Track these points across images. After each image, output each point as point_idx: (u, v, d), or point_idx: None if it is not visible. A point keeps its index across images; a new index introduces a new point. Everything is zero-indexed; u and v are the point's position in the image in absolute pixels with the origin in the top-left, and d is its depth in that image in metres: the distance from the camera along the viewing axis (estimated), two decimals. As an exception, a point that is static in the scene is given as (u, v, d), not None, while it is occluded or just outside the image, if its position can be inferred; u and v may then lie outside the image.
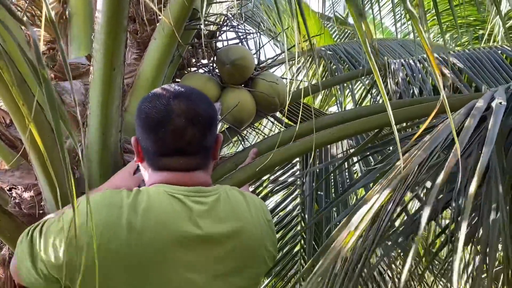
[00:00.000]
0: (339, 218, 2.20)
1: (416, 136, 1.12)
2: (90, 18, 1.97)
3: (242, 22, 2.60)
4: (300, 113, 2.20)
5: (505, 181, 1.18)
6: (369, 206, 0.96)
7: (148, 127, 1.18)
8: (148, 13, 1.91)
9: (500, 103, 1.17)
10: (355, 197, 2.85)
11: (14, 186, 1.77)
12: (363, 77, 3.22)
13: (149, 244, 1.09)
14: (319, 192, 2.72)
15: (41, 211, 1.68)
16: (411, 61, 2.96)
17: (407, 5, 0.77)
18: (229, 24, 2.33)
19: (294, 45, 3.38)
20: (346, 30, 6.85)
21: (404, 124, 2.25)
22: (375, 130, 1.79)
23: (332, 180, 2.77)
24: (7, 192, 1.79)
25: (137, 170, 1.47)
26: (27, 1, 1.97)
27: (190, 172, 1.20)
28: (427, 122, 0.96)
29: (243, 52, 2.10)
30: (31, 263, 1.12)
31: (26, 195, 1.75)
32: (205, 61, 2.32)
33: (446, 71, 2.59)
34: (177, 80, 2.29)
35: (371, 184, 2.01)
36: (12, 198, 1.73)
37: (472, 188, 0.89)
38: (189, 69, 2.28)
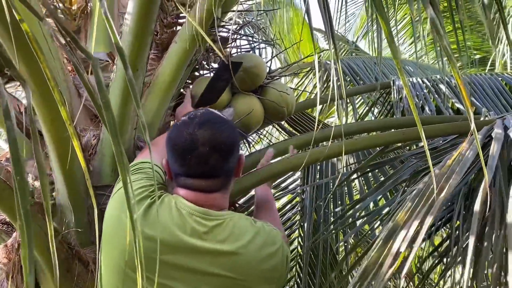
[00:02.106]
0: (344, 238, 2.24)
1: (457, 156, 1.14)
2: (111, 15, 2.01)
3: (255, 31, 2.65)
4: (318, 124, 2.24)
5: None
6: (414, 229, 0.99)
7: (176, 153, 1.32)
8: (169, 16, 1.96)
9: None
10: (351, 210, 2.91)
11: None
12: (366, 93, 3.29)
13: (146, 243, 1.21)
14: (318, 202, 2.78)
15: (52, 201, 1.71)
16: (414, 80, 3.04)
17: (443, 42, 0.83)
18: (243, 32, 2.39)
19: (306, 57, 3.44)
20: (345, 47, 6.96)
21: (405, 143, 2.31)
22: (382, 147, 1.85)
23: (331, 192, 2.83)
24: (19, 179, 1.82)
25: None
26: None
27: (208, 194, 1.32)
28: (465, 143, 1.01)
29: (257, 60, 2.15)
30: None
31: (38, 184, 1.78)
32: (215, 65, 2.37)
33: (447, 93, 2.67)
34: (188, 81, 2.35)
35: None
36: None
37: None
38: (201, 72, 2.33)
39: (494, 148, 1.16)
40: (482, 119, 2.00)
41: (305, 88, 4.25)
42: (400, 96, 2.74)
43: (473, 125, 0.88)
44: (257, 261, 1.31)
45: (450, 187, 1.01)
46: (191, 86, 2.04)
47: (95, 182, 1.68)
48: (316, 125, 2.35)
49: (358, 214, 2.44)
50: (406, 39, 7.49)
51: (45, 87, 1.41)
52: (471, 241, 0.96)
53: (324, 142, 2.29)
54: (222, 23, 2.28)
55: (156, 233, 1.24)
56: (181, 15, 2.11)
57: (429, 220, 0.97)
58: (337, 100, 1.36)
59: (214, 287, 1.28)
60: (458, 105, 2.78)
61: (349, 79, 3.80)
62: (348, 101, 3.80)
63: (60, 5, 2.05)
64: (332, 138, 2.31)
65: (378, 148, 1.81)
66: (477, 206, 0.95)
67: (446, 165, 1.11)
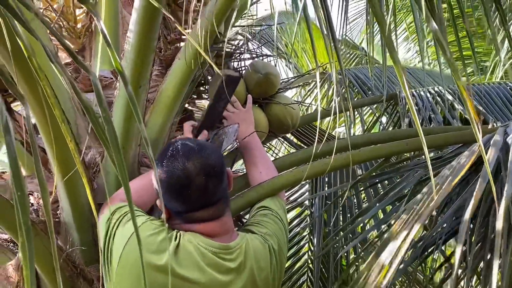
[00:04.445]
0: (349, 247, 2.24)
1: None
2: (115, 34, 2.03)
3: (260, 44, 2.66)
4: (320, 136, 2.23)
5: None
6: (400, 241, 0.99)
7: (173, 192, 1.31)
8: (173, 33, 1.97)
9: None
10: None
11: (31, 193, 1.81)
12: (374, 104, 3.28)
13: (179, 283, 1.27)
14: (323, 209, 2.77)
15: (57, 219, 1.72)
16: (421, 92, 3.02)
17: (447, 55, 0.81)
18: (246, 47, 2.39)
19: (311, 70, 3.44)
20: (355, 53, 6.93)
21: (413, 153, 2.29)
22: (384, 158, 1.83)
23: (341, 204, 2.81)
24: (25, 198, 1.83)
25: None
26: (58, 13, 2.03)
27: (219, 220, 1.35)
28: (473, 158, 0.99)
29: (277, 72, 2.17)
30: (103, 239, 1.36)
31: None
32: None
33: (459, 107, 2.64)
34: (193, 96, 2.35)
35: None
36: (30, 205, 1.77)
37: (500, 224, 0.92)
38: (206, 86, 2.34)
39: (491, 154, 1.15)
40: (489, 128, 1.97)
41: (312, 99, 4.24)
42: (406, 108, 2.72)
43: (480, 136, 0.87)
44: (273, 274, 1.42)
45: (441, 196, 1.00)
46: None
47: (100, 200, 1.68)
48: (310, 135, 2.32)
49: (367, 223, 2.41)
50: (416, 45, 7.43)
51: (47, 105, 1.42)
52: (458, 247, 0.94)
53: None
54: (227, 38, 2.28)
55: (189, 273, 1.28)
56: (185, 30, 2.13)
57: (415, 229, 0.96)
58: (338, 112, 1.35)
59: None
60: (466, 115, 2.75)
61: (356, 90, 3.79)
62: (355, 112, 3.79)
63: (65, 23, 2.07)
64: (338, 151, 2.30)
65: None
66: (467, 215, 0.94)
67: (441, 175, 1.10)
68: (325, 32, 1.27)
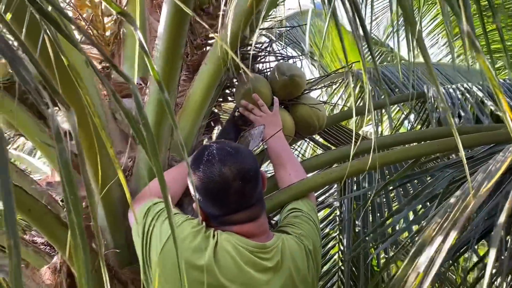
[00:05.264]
0: (381, 248, 2.22)
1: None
2: (144, 40, 2.06)
3: (285, 45, 2.66)
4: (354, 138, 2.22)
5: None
6: (436, 247, 0.98)
7: (209, 197, 1.33)
8: (199, 38, 2.00)
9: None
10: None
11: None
12: (401, 103, 3.24)
13: (215, 283, 1.28)
14: (353, 213, 2.75)
15: (91, 223, 1.77)
16: (450, 90, 2.97)
17: (481, 59, 0.80)
18: (271, 48, 2.41)
19: (337, 70, 3.42)
20: (380, 50, 6.84)
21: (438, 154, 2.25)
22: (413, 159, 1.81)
23: (370, 203, 2.79)
24: (60, 203, 1.89)
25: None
26: (87, 22, 2.09)
27: (256, 221, 1.37)
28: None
29: (302, 72, 2.17)
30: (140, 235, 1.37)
31: (78, 206, 1.84)
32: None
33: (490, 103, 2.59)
34: (219, 100, 2.37)
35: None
36: (64, 209, 1.82)
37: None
38: (232, 89, 2.36)
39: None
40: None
41: (338, 98, 4.22)
42: (435, 106, 2.68)
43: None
44: (311, 274, 1.44)
45: (477, 202, 0.98)
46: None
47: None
48: (337, 136, 2.31)
49: (398, 225, 2.38)
50: (441, 38, 7.25)
51: (82, 113, 1.46)
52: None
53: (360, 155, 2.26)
54: (251, 42, 2.30)
55: (227, 271, 1.29)
56: (210, 35, 2.16)
57: (452, 237, 0.94)
58: (367, 111, 1.34)
59: None
60: (497, 112, 2.69)
61: (383, 87, 3.75)
62: (383, 110, 3.75)
63: (94, 31, 2.13)
64: (367, 152, 2.28)
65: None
66: (501, 219, 0.92)
67: (476, 179, 1.08)
68: (357, 33, 1.26)
